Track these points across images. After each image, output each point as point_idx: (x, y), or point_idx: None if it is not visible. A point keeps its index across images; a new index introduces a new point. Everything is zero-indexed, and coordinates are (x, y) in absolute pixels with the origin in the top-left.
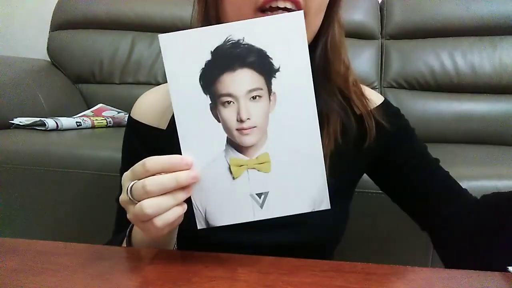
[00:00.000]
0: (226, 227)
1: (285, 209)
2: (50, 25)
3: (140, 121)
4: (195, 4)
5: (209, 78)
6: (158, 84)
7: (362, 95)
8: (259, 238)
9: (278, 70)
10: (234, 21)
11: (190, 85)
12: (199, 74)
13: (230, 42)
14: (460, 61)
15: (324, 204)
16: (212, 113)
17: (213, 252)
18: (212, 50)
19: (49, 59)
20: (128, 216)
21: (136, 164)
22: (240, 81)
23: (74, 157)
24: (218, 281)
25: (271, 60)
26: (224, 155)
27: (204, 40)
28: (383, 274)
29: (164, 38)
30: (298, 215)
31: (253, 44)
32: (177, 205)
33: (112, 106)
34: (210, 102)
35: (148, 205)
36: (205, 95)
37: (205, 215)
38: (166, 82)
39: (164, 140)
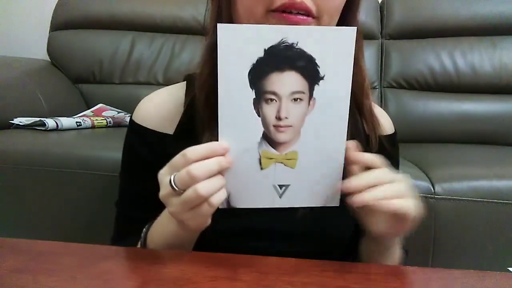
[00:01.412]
0: (232, 232)
1: (300, 202)
2: (50, 25)
3: (146, 126)
4: (209, 3)
5: (257, 74)
6: (158, 84)
7: (371, 114)
8: (264, 246)
9: (322, 78)
10: (246, 21)
11: (239, 77)
12: (249, 68)
13: (284, 44)
14: (460, 61)
15: (335, 202)
16: (254, 107)
17: (213, 252)
18: (266, 48)
19: (49, 59)
20: (171, 209)
21: (174, 158)
22: (286, 82)
23: (74, 157)
24: (218, 281)
25: (318, 68)
26: (257, 146)
27: (260, 37)
28: (383, 274)
29: (222, 28)
30: (305, 226)
31: (305, 50)
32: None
33: (112, 106)
34: (254, 96)
35: (202, 186)
36: (251, 89)
37: (228, 196)
38: (166, 81)
39: (172, 145)
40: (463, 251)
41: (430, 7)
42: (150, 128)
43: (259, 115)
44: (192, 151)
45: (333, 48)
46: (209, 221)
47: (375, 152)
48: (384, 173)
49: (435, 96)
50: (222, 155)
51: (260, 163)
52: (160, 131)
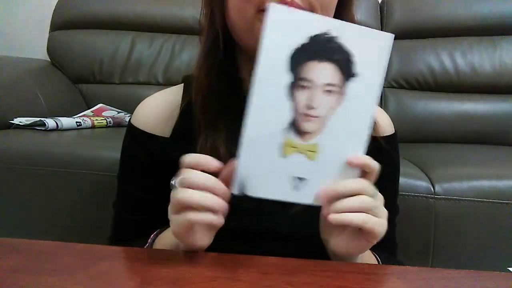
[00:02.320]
0: (235, 237)
1: (314, 199)
2: (50, 25)
3: (142, 129)
4: (203, 6)
5: (297, 59)
6: (159, 84)
7: None
8: (268, 249)
9: (356, 75)
10: (238, 23)
11: (279, 58)
12: (291, 52)
13: (327, 36)
14: (460, 61)
15: None
16: (287, 91)
17: (213, 252)
18: (310, 36)
19: (49, 59)
20: (171, 200)
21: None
22: (322, 72)
23: (74, 157)
24: (218, 281)
25: (353, 65)
26: (282, 132)
27: (306, 25)
28: (383, 274)
29: (274, 8)
30: (311, 228)
31: (344, 45)
32: (214, 213)
33: (112, 106)
34: (290, 80)
35: (195, 193)
36: (288, 72)
37: (243, 182)
38: (166, 81)
39: (168, 148)
40: (463, 251)
41: (430, 7)
42: (148, 131)
43: (290, 100)
44: (190, 157)
45: (370, 48)
46: (200, 242)
47: (367, 151)
48: (357, 185)
49: (435, 96)
50: (221, 189)
51: (282, 149)
52: (158, 134)
